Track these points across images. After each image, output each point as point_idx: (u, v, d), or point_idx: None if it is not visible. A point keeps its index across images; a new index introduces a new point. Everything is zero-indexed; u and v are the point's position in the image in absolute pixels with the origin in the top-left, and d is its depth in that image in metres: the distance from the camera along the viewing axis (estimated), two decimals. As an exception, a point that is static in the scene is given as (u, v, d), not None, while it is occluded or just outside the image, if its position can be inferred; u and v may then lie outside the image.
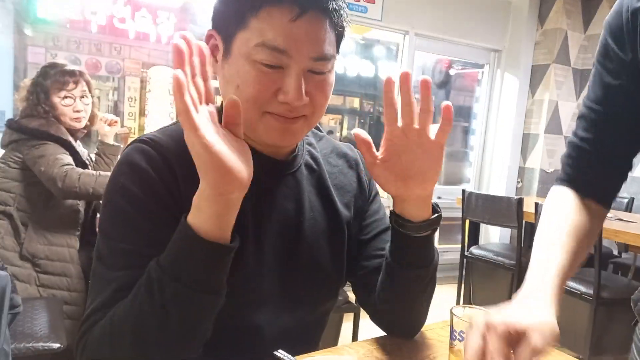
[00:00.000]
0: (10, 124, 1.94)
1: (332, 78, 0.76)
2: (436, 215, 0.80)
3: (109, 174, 1.93)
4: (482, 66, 4.47)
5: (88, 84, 2.06)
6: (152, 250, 0.67)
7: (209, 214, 0.63)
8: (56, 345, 1.41)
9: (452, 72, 4.72)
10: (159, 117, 3.56)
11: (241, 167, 0.62)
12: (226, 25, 0.73)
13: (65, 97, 1.97)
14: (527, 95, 4.28)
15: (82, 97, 2.02)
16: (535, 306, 0.66)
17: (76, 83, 2.00)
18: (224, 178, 0.61)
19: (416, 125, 0.71)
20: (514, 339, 0.58)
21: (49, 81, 1.95)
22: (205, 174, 0.61)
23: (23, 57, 3.48)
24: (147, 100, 3.56)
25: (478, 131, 4.50)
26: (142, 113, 3.60)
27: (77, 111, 2.01)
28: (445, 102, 0.69)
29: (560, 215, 0.82)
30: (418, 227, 0.79)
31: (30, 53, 3.49)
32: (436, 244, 0.86)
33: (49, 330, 1.45)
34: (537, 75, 4.21)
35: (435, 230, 0.82)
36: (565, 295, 2.36)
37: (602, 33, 0.82)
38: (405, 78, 0.69)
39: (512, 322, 0.59)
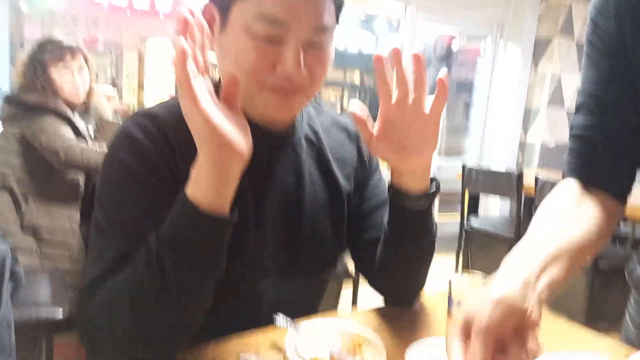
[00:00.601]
0: (9, 99, 1.93)
1: (331, 50, 0.75)
2: (434, 187, 0.80)
3: None
4: (484, 37, 4.40)
5: (85, 58, 2.04)
6: (150, 221, 0.67)
7: (207, 187, 0.63)
8: (59, 314, 1.42)
9: (454, 47, 4.65)
10: (157, 90, 3.53)
11: (240, 139, 0.62)
12: None
13: (63, 70, 1.96)
14: (530, 68, 4.23)
15: (79, 70, 2.01)
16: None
17: (73, 57, 1.98)
18: (221, 150, 0.60)
19: (411, 99, 0.71)
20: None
21: (47, 55, 1.93)
22: (203, 145, 0.61)
23: (19, 33, 3.44)
24: (146, 74, 3.53)
25: (479, 104, 4.47)
26: (140, 87, 3.58)
27: (75, 86, 1.99)
28: (440, 74, 0.68)
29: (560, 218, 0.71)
30: (416, 199, 0.79)
31: (26, 28, 3.45)
32: (435, 216, 0.86)
33: (51, 299, 1.47)
34: (540, 48, 4.16)
35: (432, 202, 0.82)
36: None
37: (588, 10, 0.77)
38: (396, 54, 0.68)
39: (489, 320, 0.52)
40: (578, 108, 0.77)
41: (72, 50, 1.98)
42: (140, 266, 0.64)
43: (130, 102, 3.53)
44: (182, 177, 0.67)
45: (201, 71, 0.61)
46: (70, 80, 1.97)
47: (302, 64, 0.70)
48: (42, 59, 1.92)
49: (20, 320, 1.36)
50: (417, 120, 0.72)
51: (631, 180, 0.77)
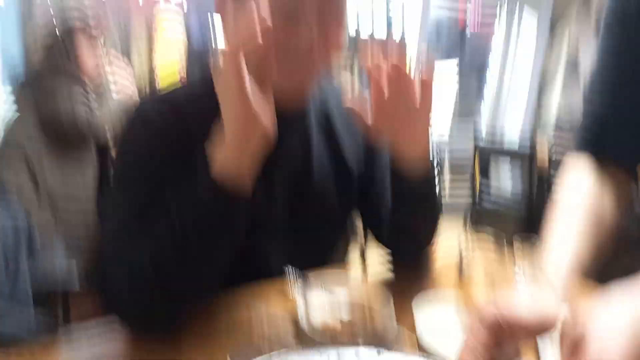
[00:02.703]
0: (24, 86, 1.90)
1: (345, 16, 0.77)
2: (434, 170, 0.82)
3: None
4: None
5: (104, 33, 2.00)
6: (165, 192, 0.70)
7: (231, 166, 0.64)
8: (76, 285, 1.43)
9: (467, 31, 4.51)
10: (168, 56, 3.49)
11: (266, 118, 0.64)
12: None
13: (91, 50, 1.90)
14: (548, 31, 4.14)
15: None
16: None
17: (98, 35, 1.93)
18: (248, 125, 0.63)
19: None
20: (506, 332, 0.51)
21: (75, 39, 1.85)
22: (232, 120, 0.63)
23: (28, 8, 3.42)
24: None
25: (493, 67, 4.38)
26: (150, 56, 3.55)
27: (96, 64, 1.94)
28: (425, 75, 0.72)
29: (575, 199, 0.71)
30: (417, 184, 0.80)
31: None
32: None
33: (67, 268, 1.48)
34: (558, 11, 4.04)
35: (433, 185, 0.83)
36: None
37: None
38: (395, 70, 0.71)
39: (506, 314, 0.51)
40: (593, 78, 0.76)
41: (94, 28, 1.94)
42: (165, 239, 0.66)
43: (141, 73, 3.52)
44: (196, 150, 0.68)
45: None
46: (93, 59, 1.92)
47: (317, 25, 0.72)
48: (70, 41, 1.86)
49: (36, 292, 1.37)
50: (408, 115, 0.74)
51: None
